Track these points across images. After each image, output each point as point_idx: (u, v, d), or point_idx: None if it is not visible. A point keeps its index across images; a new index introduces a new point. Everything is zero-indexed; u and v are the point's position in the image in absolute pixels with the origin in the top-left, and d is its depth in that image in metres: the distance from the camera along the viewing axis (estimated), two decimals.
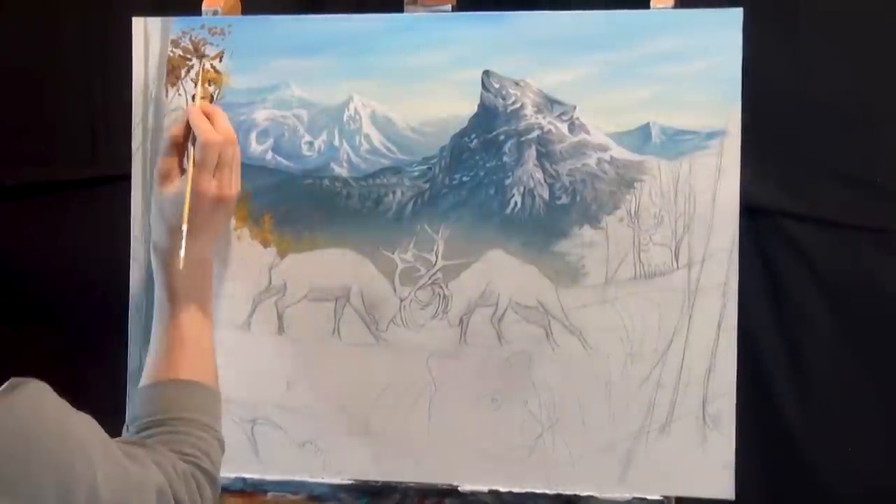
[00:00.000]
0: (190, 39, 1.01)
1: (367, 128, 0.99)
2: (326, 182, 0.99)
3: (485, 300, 0.97)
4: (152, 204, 0.94)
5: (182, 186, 0.90)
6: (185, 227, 0.88)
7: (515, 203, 0.96)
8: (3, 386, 0.65)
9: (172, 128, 0.94)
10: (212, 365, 0.91)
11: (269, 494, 1.00)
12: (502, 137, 0.97)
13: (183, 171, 0.92)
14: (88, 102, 1.23)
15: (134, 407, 0.88)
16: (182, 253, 0.87)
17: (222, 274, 1.00)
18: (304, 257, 1.00)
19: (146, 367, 0.90)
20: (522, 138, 0.96)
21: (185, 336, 0.89)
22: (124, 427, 0.88)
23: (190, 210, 0.88)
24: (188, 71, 1.01)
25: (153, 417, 0.85)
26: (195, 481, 0.81)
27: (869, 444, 1.11)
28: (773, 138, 1.08)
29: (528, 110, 0.96)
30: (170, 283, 0.91)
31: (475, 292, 0.97)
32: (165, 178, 0.92)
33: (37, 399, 0.66)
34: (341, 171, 0.99)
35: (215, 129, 0.91)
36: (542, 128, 0.96)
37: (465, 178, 0.97)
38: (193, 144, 0.92)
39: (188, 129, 0.93)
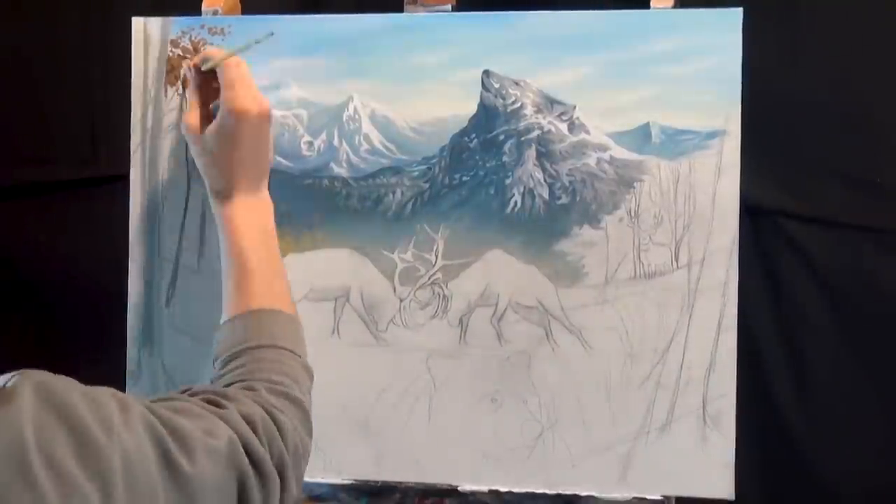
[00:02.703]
0: (190, 39, 1.01)
1: (367, 128, 0.99)
2: (326, 182, 0.99)
3: (485, 300, 0.97)
4: (197, 158, 0.92)
5: (218, 118, 0.89)
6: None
7: (515, 203, 0.96)
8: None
9: (189, 89, 0.94)
10: (286, 291, 0.89)
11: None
12: (502, 137, 0.97)
13: (210, 113, 0.92)
14: (88, 102, 1.23)
15: (216, 345, 0.85)
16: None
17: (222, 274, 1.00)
18: (304, 257, 1.00)
19: (223, 307, 0.88)
20: (522, 138, 0.96)
21: (251, 267, 0.87)
22: (212, 363, 0.86)
23: (232, 137, 0.89)
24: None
25: (234, 349, 0.83)
26: (276, 419, 0.76)
27: (869, 444, 1.11)
28: (773, 138, 1.08)
29: (528, 110, 0.96)
30: (229, 216, 0.89)
31: (475, 292, 0.97)
32: (198, 128, 0.91)
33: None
34: (341, 170, 0.99)
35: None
36: (541, 127, 0.96)
37: (464, 178, 0.97)
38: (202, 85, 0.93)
39: (198, 76, 0.93)
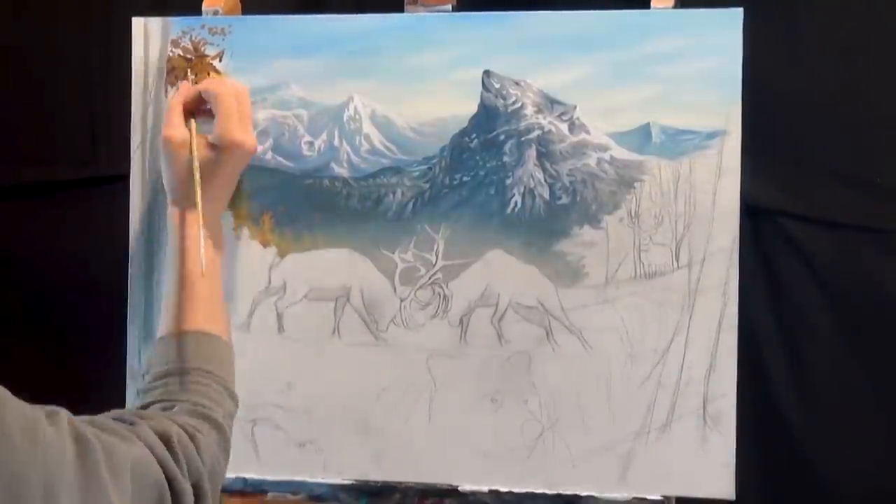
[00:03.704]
0: (190, 39, 1.01)
1: (368, 128, 0.99)
2: (326, 182, 0.99)
3: (485, 300, 0.97)
4: (169, 171, 0.92)
5: (209, 143, 0.91)
6: (198, 193, 0.89)
7: (516, 203, 0.96)
8: None
9: (174, 97, 0.95)
10: (224, 315, 0.91)
11: (269, 494, 1.00)
12: (502, 137, 0.97)
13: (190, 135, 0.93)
14: (88, 102, 1.23)
15: (148, 357, 0.88)
16: (201, 223, 0.88)
17: (222, 273, 1.00)
18: (304, 257, 0.99)
19: (161, 319, 0.90)
20: (523, 138, 0.96)
21: (198, 287, 0.89)
22: (141, 376, 0.88)
23: (214, 165, 0.90)
24: (187, 71, 1.01)
25: (165, 367, 0.85)
26: (193, 437, 0.78)
27: (869, 444, 1.11)
28: (773, 138, 1.08)
29: (529, 110, 0.96)
30: (185, 228, 0.91)
31: (475, 292, 0.97)
32: (182, 144, 0.91)
33: None
34: (341, 171, 0.99)
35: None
36: (542, 128, 0.96)
37: (465, 178, 0.97)
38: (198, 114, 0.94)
39: (194, 97, 0.94)
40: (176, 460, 0.75)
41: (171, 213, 0.92)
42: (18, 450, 0.60)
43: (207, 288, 0.89)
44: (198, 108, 0.95)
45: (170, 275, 0.91)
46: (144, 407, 0.83)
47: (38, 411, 0.65)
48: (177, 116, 0.93)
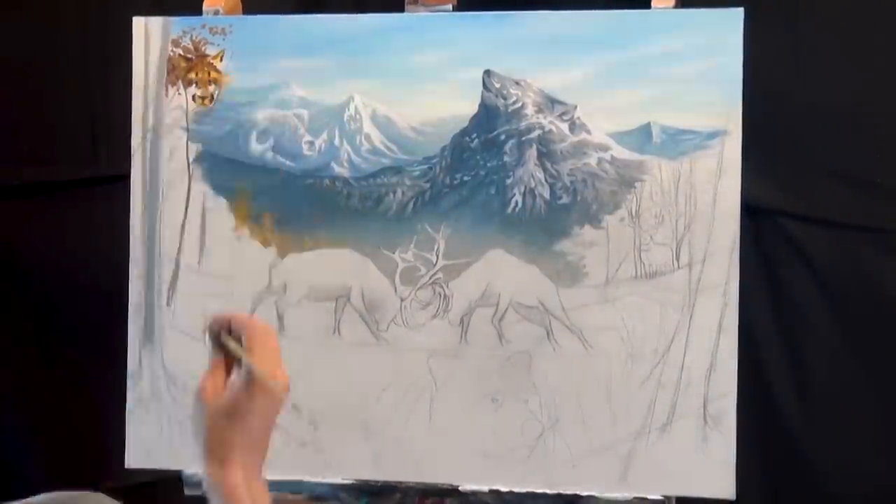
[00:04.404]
0: (190, 39, 1.01)
1: (368, 127, 0.99)
2: (327, 182, 0.99)
3: (485, 300, 0.97)
4: (202, 424, 0.78)
5: (235, 389, 0.77)
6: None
7: (516, 203, 0.96)
8: None
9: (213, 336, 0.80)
10: None
11: (270, 494, 1.00)
12: (503, 137, 0.97)
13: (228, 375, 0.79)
14: (88, 102, 1.23)
15: None
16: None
17: (222, 273, 1.00)
18: (304, 257, 0.99)
19: None
20: (523, 138, 0.96)
21: None
22: None
23: (247, 407, 0.77)
24: (188, 70, 1.01)
25: None
26: None
27: (869, 444, 1.12)
28: (774, 138, 1.08)
29: (529, 110, 0.96)
30: (232, 485, 0.77)
31: (476, 292, 0.97)
32: (216, 391, 0.79)
33: None
34: (342, 170, 0.99)
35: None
36: (542, 127, 0.96)
37: (465, 178, 0.97)
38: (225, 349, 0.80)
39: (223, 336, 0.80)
40: None
41: (211, 473, 0.78)
42: None
43: None
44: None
45: None
46: None
47: None
48: (216, 368, 0.79)
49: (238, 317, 0.78)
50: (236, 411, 0.78)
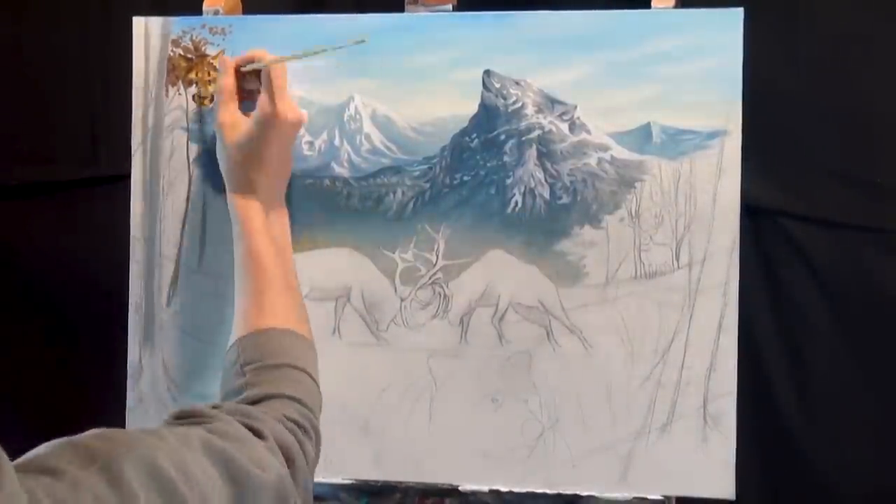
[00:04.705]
0: (190, 39, 1.01)
1: (368, 127, 0.99)
2: (327, 182, 0.99)
3: (485, 300, 0.97)
4: (225, 155, 0.92)
5: (254, 120, 0.90)
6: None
7: (516, 203, 0.96)
8: None
9: (221, 79, 0.94)
10: (304, 315, 0.90)
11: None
12: (503, 137, 0.97)
13: (246, 113, 0.92)
14: (88, 102, 1.23)
15: (239, 353, 0.85)
16: None
17: (222, 273, 1.00)
18: (304, 257, 0.99)
19: (236, 320, 0.88)
20: (523, 138, 0.96)
21: (268, 276, 0.88)
22: (235, 367, 0.84)
23: (274, 138, 0.90)
24: (188, 70, 1.01)
25: (260, 363, 0.82)
26: (307, 454, 0.78)
27: (869, 444, 1.11)
28: (774, 138, 1.08)
29: (529, 110, 0.96)
30: (249, 217, 0.90)
31: (476, 292, 0.97)
32: (233, 126, 0.91)
33: None
34: (342, 170, 0.99)
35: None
36: (542, 127, 0.96)
37: (465, 178, 0.97)
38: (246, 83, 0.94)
39: (238, 75, 0.94)
40: (295, 480, 0.75)
41: (232, 201, 0.92)
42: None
43: (281, 274, 0.88)
44: (245, 94, 0.94)
45: (238, 267, 0.90)
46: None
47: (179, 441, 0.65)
48: (228, 96, 0.93)
49: (258, 52, 0.93)
50: (252, 145, 0.90)
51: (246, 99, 0.94)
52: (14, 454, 0.59)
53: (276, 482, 0.71)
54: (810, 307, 1.12)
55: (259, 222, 0.90)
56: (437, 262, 0.98)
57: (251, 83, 0.94)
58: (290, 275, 0.91)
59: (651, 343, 0.95)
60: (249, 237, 0.89)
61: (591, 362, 0.96)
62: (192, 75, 1.01)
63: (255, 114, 0.90)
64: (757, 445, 1.09)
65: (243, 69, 0.94)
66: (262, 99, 0.90)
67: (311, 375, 0.85)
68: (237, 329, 0.87)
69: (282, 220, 0.94)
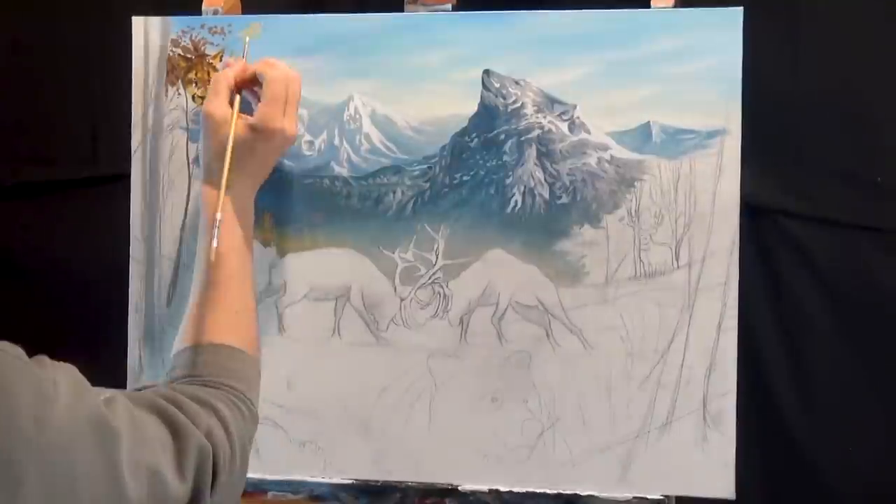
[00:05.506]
0: (190, 39, 1.01)
1: (368, 127, 0.99)
2: (327, 181, 0.99)
3: (485, 299, 0.97)
4: (207, 144, 0.89)
5: (252, 126, 0.88)
6: (224, 175, 0.86)
7: (516, 202, 0.96)
8: None
9: (223, 71, 0.92)
10: (251, 328, 0.88)
11: (270, 494, 1.00)
12: (503, 137, 0.97)
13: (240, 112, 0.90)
14: (88, 102, 1.23)
15: (173, 363, 0.85)
16: (219, 214, 0.85)
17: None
18: (304, 257, 0.99)
19: (183, 326, 0.87)
20: (523, 137, 0.96)
21: (227, 272, 0.86)
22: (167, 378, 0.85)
23: (250, 148, 0.88)
24: (188, 70, 1.01)
25: (189, 375, 0.82)
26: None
27: (869, 444, 1.11)
28: (774, 138, 1.08)
29: (529, 109, 0.96)
30: (214, 204, 0.87)
31: (475, 292, 0.97)
32: (223, 122, 0.88)
33: None
34: (341, 170, 0.99)
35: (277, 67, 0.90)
36: (542, 127, 0.96)
37: (465, 178, 0.97)
38: (244, 90, 0.91)
39: (243, 75, 0.91)
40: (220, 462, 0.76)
41: (204, 192, 0.90)
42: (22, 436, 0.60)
43: (237, 281, 0.87)
44: (244, 86, 0.92)
45: (197, 266, 0.89)
46: None
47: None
48: (223, 90, 0.90)
49: (262, 64, 0.91)
50: (238, 147, 0.87)
51: (250, 94, 0.92)
52: None
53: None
54: (810, 307, 1.12)
55: (227, 212, 0.87)
56: (436, 261, 0.98)
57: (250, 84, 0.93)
58: (245, 275, 0.89)
59: (651, 343, 0.95)
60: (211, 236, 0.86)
61: (591, 362, 0.96)
62: (192, 75, 1.01)
63: (254, 120, 0.88)
64: (757, 445, 1.09)
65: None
66: (270, 110, 0.88)
67: (244, 396, 0.83)
68: (183, 334, 0.86)
69: (248, 219, 0.91)
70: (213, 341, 0.85)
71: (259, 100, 0.90)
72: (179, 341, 0.86)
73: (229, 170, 0.87)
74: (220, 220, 0.85)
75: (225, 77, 0.91)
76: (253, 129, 0.88)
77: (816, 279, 1.11)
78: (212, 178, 0.89)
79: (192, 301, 0.88)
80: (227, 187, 0.87)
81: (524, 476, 0.97)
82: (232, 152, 0.87)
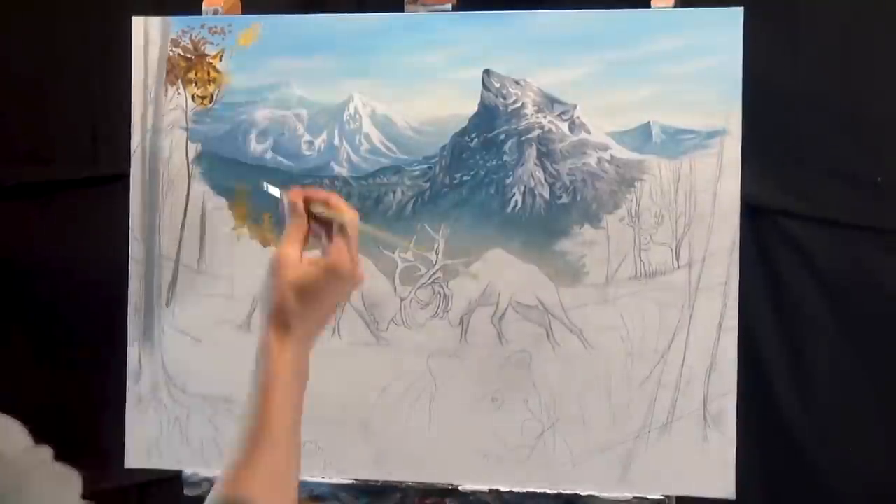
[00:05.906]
0: (190, 39, 1.01)
1: (368, 127, 0.99)
2: (327, 181, 0.99)
3: (485, 299, 0.97)
4: (273, 284, 0.79)
5: (323, 268, 0.78)
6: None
7: (516, 202, 0.96)
8: None
9: (295, 217, 0.81)
10: (291, 468, 0.79)
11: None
12: (503, 136, 0.97)
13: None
14: (88, 102, 1.23)
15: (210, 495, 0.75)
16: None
17: (222, 273, 1.00)
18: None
19: (224, 471, 0.76)
20: (523, 137, 0.96)
21: (273, 425, 0.77)
22: None
23: (321, 289, 0.79)
24: (188, 70, 1.01)
25: None
26: None
27: (869, 444, 1.11)
28: (774, 138, 1.08)
29: (529, 109, 0.96)
30: (274, 368, 0.78)
31: (476, 291, 0.97)
32: (294, 266, 0.79)
33: None
34: (341, 170, 0.99)
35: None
36: (542, 127, 0.96)
37: (465, 178, 0.97)
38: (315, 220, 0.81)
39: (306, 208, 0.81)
40: None
41: (267, 334, 0.79)
42: None
43: (282, 428, 0.77)
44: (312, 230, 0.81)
45: (251, 401, 0.78)
46: None
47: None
48: (298, 237, 0.80)
49: (334, 198, 0.81)
50: (309, 289, 0.79)
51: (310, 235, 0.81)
52: None
53: None
54: (810, 306, 1.12)
55: (286, 363, 0.78)
56: (436, 261, 0.98)
57: (315, 226, 0.82)
58: (294, 419, 0.79)
59: (651, 343, 0.95)
60: (271, 375, 0.78)
61: (591, 362, 0.96)
62: (192, 75, 1.01)
63: (325, 262, 0.79)
64: (757, 445, 1.09)
65: (315, 211, 0.81)
66: (339, 252, 0.78)
67: None
68: (222, 478, 0.76)
69: (305, 360, 0.80)
70: (244, 497, 0.74)
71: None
72: (219, 483, 0.76)
73: (295, 315, 0.78)
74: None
75: (299, 222, 0.81)
76: (329, 271, 0.79)
77: (816, 279, 1.11)
78: (276, 321, 0.79)
79: (238, 450, 0.77)
80: (293, 330, 0.78)
81: (524, 476, 0.97)
82: (300, 294, 0.78)
